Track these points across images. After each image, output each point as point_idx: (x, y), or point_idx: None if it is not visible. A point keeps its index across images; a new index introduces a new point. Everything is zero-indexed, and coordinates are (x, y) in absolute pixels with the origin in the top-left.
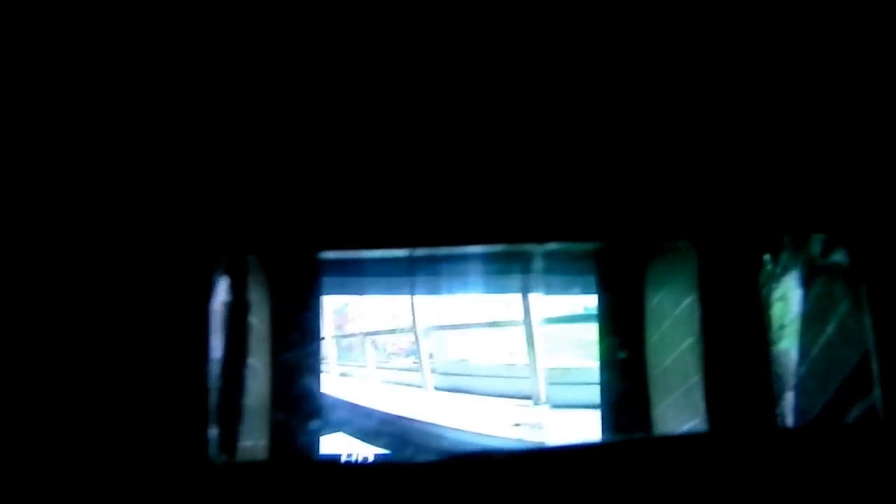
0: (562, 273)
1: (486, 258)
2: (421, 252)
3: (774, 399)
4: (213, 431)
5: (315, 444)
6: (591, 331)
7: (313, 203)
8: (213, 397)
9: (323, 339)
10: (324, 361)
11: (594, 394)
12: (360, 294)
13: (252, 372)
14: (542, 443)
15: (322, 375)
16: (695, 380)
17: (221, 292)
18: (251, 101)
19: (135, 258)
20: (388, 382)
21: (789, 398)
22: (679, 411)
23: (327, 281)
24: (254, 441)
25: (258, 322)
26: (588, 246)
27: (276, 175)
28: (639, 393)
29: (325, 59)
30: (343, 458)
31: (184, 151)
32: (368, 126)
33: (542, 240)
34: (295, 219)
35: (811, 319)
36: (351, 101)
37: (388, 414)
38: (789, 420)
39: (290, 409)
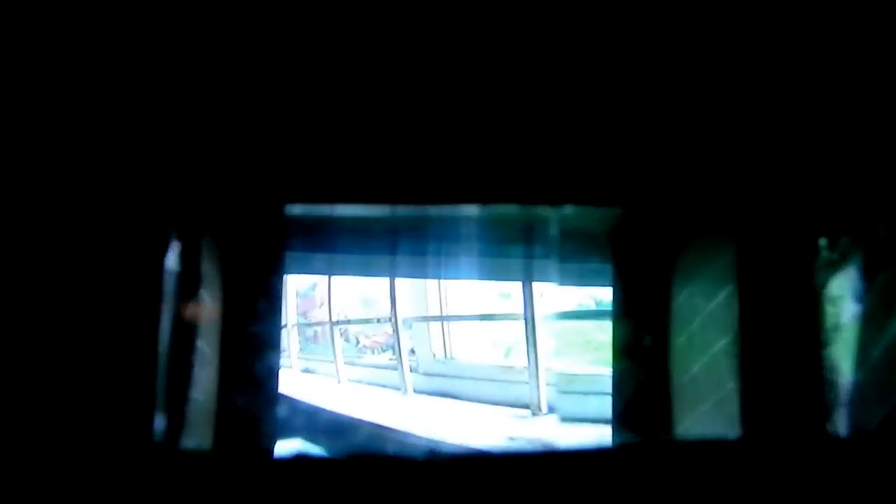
0: (572, 259)
1: (483, 235)
2: (405, 218)
3: (826, 412)
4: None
5: (269, 449)
6: (605, 329)
7: (280, 148)
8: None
9: (284, 326)
10: (284, 353)
11: (606, 405)
12: (330, 274)
13: (200, 358)
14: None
15: (281, 369)
16: (729, 389)
17: (173, 259)
18: (208, 45)
19: (77, 218)
20: (359, 382)
21: (843, 411)
22: (709, 426)
23: (292, 256)
24: (197, 443)
25: (210, 300)
26: (605, 213)
27: (237, 117)
28: (661, 404)
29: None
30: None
31: (136, 97)
32: (344, 62)
33: (555, 201)
34: (259, 165)
35: (873, 317)
36: (324, 34)
37: (357, 419)
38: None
39: (240, 408)
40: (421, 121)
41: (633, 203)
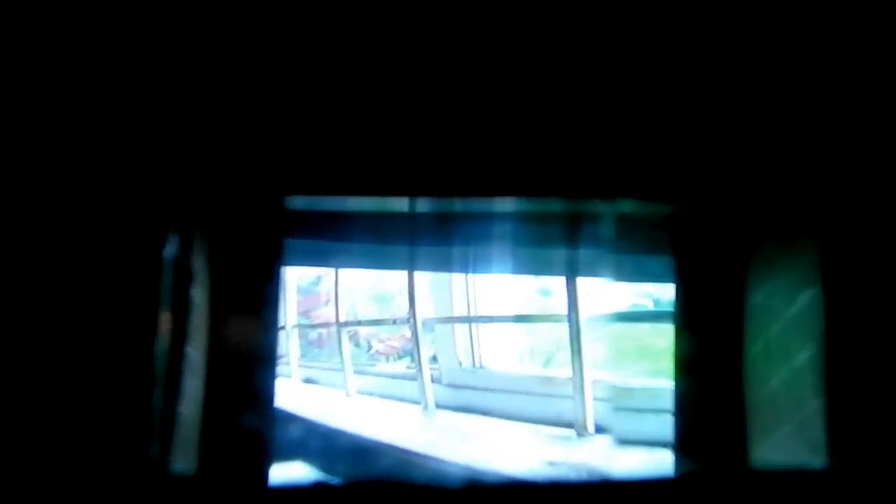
0: (625, 250)
1: (519, 222)
2: (425, 207)
3: None
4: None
5: (263, 475)
6: (665, 335)
7: (282, 134)
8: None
9: (282, 327)
10: (282, 359)
11: (665, 424)
12: (338, 266)
13: (185, 365)
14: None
15: (278, 379)
16: (814, 408)
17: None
18: (207, 37)
19: (62, 211)
20: (370, 394)
21: None
22: (790, 452)
23: (292, 245)
24: (182, 464)
25: (197, 298)
26: (666, 210)
27: (235, 98)
28: (731, 425)
29: None
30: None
31: (132, 89)
32: (358, 37)
33: (606, 195)
34: (258, 154)
35: None
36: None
37: (369, 439)
38: None
39: (230, 425)
40: (471, 106)
41: (701, 191)
